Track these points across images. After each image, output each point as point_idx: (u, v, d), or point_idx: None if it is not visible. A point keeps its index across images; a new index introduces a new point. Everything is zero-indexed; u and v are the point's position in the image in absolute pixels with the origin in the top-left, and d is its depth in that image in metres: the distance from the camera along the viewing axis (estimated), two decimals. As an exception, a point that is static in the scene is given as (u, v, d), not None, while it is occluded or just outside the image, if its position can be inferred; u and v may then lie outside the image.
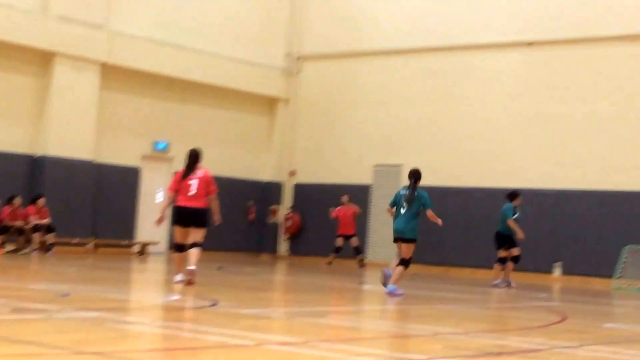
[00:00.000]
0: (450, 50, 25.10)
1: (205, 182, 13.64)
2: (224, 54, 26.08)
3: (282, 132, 27.90)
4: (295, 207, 27.48)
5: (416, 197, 14.28)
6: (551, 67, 23.54)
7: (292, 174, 27.77)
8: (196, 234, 13.62)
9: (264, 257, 27.26)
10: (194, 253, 13.45)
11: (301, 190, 27.52)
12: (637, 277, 21.06)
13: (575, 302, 15.92)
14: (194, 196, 13.57)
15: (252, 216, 27.28)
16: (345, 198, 23.32)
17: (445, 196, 24.51)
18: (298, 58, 27.94)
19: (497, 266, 18.68)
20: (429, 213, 14.36)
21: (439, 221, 14.53)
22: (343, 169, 26.71)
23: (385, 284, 14.32)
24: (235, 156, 26.93)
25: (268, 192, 27.64)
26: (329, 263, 22.82)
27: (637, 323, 12.98)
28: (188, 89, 25.61)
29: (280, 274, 21.04)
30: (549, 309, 13.85)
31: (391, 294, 13.82)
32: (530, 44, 23.89)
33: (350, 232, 22.97)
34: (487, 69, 24.53)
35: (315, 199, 26.74)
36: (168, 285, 14.14)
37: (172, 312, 10.57)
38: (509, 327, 11.09)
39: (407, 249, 14.14)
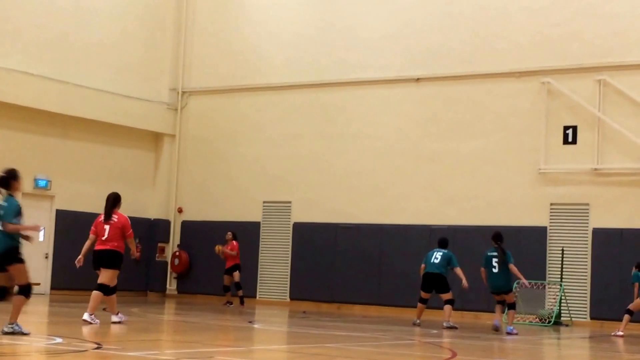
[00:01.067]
0: (338, 85, 25.22)
1: (119, 227, 14.67)
2: (107, 88, 25.59)
3: (169, 168, 27.50)
4: (182, 245, 27.03)
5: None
6: (439, 103, 23.87)
7: (180, 211, 27.36)
8: (103, 276, 14.60)
9: (152, 296, 26.70)
10: (93, 296, 14.42)
11: (189, 228, 27.11)
12: (528, 311, 21.36)
13: (466, 337, 16.01)
14: (106, 240, 14.62)
15: (138, 255, 26.66)
16: (229, 235, 23.22)
17: (335, 232, 24.53)
18: (183, 93, 27.66)
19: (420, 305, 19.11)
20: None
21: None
22: (231, 206, 26.45)
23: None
24: (120, 193, 26.18)
25: (155, 229, 27.14)
26: (229, 303, 22.80)
27: (525, 358, 13.10)
28: (70, 124, 25.00)
29: (168, 313, 20.61)
30: (439, 345, 13.85)
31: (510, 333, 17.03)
32: (417, 79, 24.20)
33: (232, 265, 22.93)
34: (375, 105, 24.72)
35: (203, 237, 26.37)
36: (51, 327, 13.61)
37: (53, 356, 10.13)
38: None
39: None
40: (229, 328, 16.22)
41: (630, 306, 18.44)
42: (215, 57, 27.31)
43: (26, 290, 12.12)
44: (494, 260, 17.90)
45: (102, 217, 14.91)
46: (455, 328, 17.91)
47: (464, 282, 18.71)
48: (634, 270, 19.56)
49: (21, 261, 12.13)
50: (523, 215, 22.53)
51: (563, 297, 21.59)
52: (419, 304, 19.05)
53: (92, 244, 14.89)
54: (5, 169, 12.44)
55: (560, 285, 21.61)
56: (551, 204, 22.46)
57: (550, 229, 22.40)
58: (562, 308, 21.54)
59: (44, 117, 24.38)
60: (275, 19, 26.49)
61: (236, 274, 22.91)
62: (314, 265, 24.83)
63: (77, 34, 25.27)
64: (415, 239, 23.11)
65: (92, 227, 14.91)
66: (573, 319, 21.63)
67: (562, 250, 21.95)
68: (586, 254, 21.95)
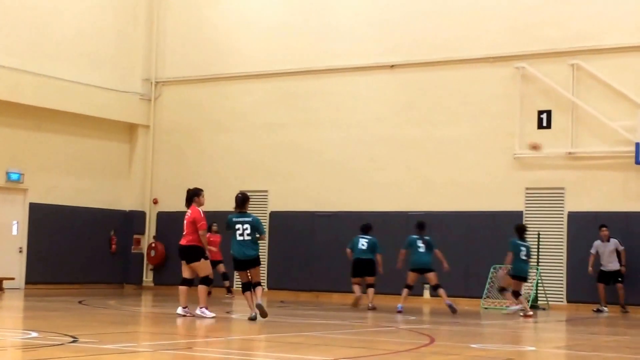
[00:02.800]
0: (313, 73, 25.15)
1: (190, 221, 15.24)
2: (80, 80, 25.39)
3: (143, 159, 27.34)
4: (158, 237, 26.89)
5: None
6: (414, 89, 23.87)
7: (155, 202, 27.22)
8: (193, 269, 15.24)
9: (128, 288, 26.57)
10: (199, 290, 15.14)
11: (164, 219, 26.96)
12: (506, 295, 21.37)
13: (444, 323, 16.03)
14: (185, 235, 15.33)
15: (114, 247, 26.57)
16: (215, 226, 22.90)
17: (312, 221, 24.48)
18: (157, 83, 27.49)
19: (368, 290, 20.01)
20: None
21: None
22: (207, 196, 26.12)
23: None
24: (94, 185, 26.20)
25: (130, 221, 26.99)
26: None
27: (503, 343, 13.14)
28: (43, 117, 24.79)
29: (145, 305, 20.50)
30: (417, 332, 13.85)
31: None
32: (392, 66, 24.17)
33: (218, 257, 22.49)
34: (351, 92, 24.68)
35: (179, 228, 26.06)
36: (25, 321, 13.49)
37: (29, 350, 10.03)
38: (378, 351, 11.03)
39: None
40: (207, 319, 16.14)
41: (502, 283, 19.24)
42: (189, 47, 27.15)
43: None
44: (419, 242, 18.95)
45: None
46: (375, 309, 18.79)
47: (445, 264, 19.35)
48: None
49: None
50: (499, 200, 22.59)
51: (540, 281, 21.66)
52: (356, 287, 19.78)
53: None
54: None
55: (537, 269, 21.68)
56: (526, 189, 22.52)
57: (526, 214, 22.47)
58: (538, 292, 21.61)
59: (17, 110, 24.17)
60: (249, 7, 26.36)
61: (221, 265, 22.71)
62: (292, 254, 24.79)
63: (50, 25, 25.06)
64: (393, 225, 23.10)
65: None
66: (550, 302, 21.71)
67: (538, 234, 22.02)
68: (562, 238, 22.04)
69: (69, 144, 25.57)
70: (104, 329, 13.13)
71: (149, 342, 11.44)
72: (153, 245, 26.78)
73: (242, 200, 15.14)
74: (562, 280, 21.97)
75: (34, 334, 11.52)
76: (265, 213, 25.43)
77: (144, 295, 24.26)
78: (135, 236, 27.06)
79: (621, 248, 20.83)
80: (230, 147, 26.17)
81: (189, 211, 15.52)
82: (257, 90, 25.98)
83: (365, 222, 20.53)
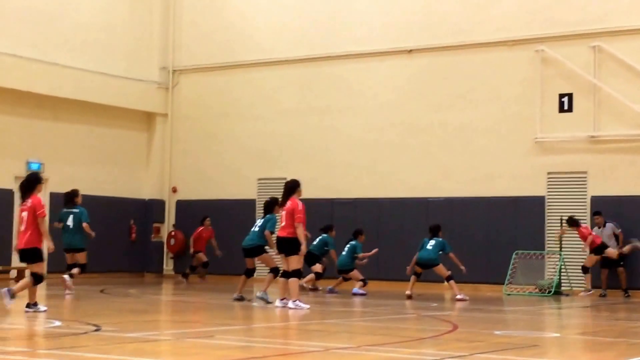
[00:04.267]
0: (330, 59, 25.00)
1: (290, 211, 14.90)
2: (97, 69, 25.35)
3: (162, 148, 27.31)
4: (178, 225, 26.88)
5: None
6: (433, 74, 23.68)
7: (174, 190, 27.20)
8: (285, 262, 15.16)
9: (149, 277, 26.58)
10: (290, 283, 14.95)
11: (184, 207, 26.95)
12: (527, 282, 21.28)
13: (466, 310, 15.94)
14: (283, 227, 15.02)
15: (133, 235, 26.58)
16: (208, 221, 24.42)
17: (331, 208, 24.37)
18: (174, 71, 27.43)
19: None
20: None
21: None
22: (226, 184, 26.29)
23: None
24: (113, 174, 26.19)
25: (150, 210, 26.99)
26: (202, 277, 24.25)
27: (527, 329, 13.02)
28: (61, 107, 24.77)
29: (165, 294, 20.51)
30: (440, 319, 13.76)
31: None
32: (410, 51, 24.00)
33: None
34: (369, 78, 24.53)
35: (198, 216, 26.20)
36: (48, 310, 13.49)
37: (53, 339, 10.04)
38: (400, 338, 10.97)
39: None
40: (228, 307, 16.12)
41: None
42: (205, 34, 27.07)
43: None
44: (431, 241, 19.23)
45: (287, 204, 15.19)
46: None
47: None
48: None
49: None
50: (520, 185, 22.40)
51: (562, 267, 21.49)
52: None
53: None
54: None
55: (560, 254, 21.51)
56: (548, 173, 22.32)
57: (548, 199, 22.28)
58: (562, 278, 21.44)
59: (34, 100, 24.15)
60: (265, -6, 26.26)
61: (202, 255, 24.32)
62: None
63: (66, 14, 25.02)
64: (412, 212, 22.98)
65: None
66: (573, 288, 21.54)
67: (561, 219, 21.82)
68: (585, 223, 21.79)
69: (87, 134, 25.57)
70: (125, 318, 13.15)
71: (171, 330, 11.44)
72: (172, 233, 26.77)
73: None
74: (585, 266, 21.76)
75: (57, 323, 11.56)
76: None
77: (165, 283, 24.29)
78: (155, 225, 27.05)
79: (618, 231, 20.74)
80: (248, 134, 26.09)
81: (288, 202, 15.07)
82: (275, 77, 25.87)
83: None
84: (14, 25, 23.82)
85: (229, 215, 25.46)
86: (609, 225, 20.82)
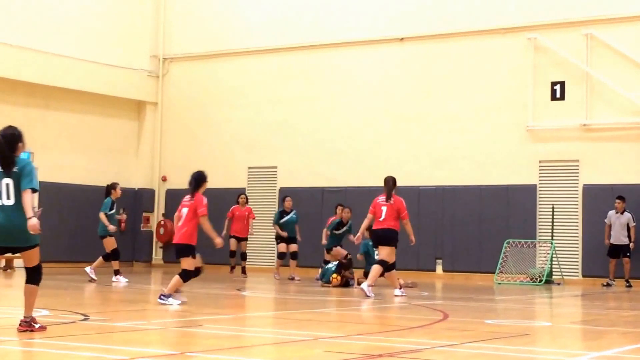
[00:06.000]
0: (322, 47, 24.96)
1: (395, 208, 15.47)
2: (87, 57, 25.26)
3: (152, 137, 27.21)
4: (167, 214, 26.78)
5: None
6: (425, 62, 23.64)
7: (164, 179, 27.10)
8: (381, 252, 15.55)
9: (138, 266, 26.51)
10: (373, 269, 15.50)
11: (173, 196, 26.81)
12: (517, 271, 21.26)
13: (457, 299, 15.91)
14: (383, 220, 15.47)
15: (123, 225, 26.45)
16: (243, 198, 21.98)
17: (322, 197, 24.32)
18: (164, 59, 27.31)
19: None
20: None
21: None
22: (216, 173, 26.07)
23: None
24: (103, 163, 26.08)
25: (140, 199, 26.90)
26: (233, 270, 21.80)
27: (517, 318, 13.01)
28: (51, 95, 24.67)
29: (154, 283, 20.43)
30: (431, 307, 13.71)
31: None
32: (402, 39, 23.91)
33: (244, 235, 21.72)
34: (361, 66, 24.47)
35: (189, 205, 26.12)
36: (38, 300, 13.36)
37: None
38: (391, 327, 10.97)
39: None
40: (217, 296, 16.09)
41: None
42: (196, 23, 26.96)
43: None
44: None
45: (379, 198, 15.70)
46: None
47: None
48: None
49: None
50: (512, 173, 22.37)
51: (554, 255, 21.45)
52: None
53: (370, 223, 15.88)
54: None
55: (551, 243, 21.48)
56: (540, 162, 22.28)
57: (540, 187, 22.24)
58: (553, 266, 21.41)
59: (25, 88, 24.07)
60: (256, -18, 26.13)
61: (244, 244, 21.95)
62: (301, 230, 24.61)
63: (56, 3, 24.98)
64: (405, 200, 22.86)
65: (371, 207, 15.75)
66: (564, 277, 21.52)
67: (553, 207, 21.80)
68: (577, 211, 21.80)
69: (77, 122, 25.48)
70: (114, 307, 13.17)
71: (160, 320, 11.37)
72: (162, 223, 26.69)
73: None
74: (577, 255, 21.76)
75: (45, 312, 11.49)
76: (275, 189, 25.28)
77: (154, 272, 24.22)
78: (145, 214, 26.99)
79: (633, 224, 20.51)
80: (238, 123, 26.01)
81: (392, 199, 15.61)
82: (266, 66, 25.78)
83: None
84: (5, 13, 23.74)
85: (219, 204, 25.34)
86: (627, 215, 20.47)
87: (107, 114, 26.30)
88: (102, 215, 18.71)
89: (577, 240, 21.74)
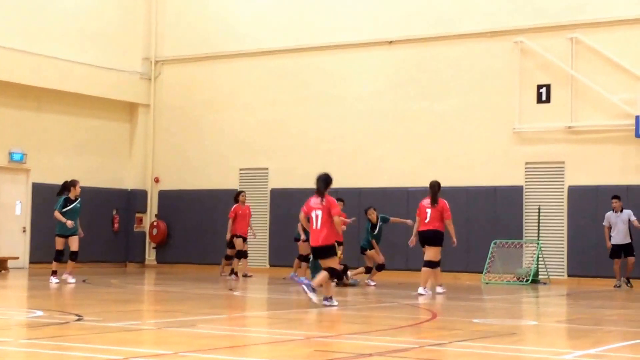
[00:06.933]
0: (312, 50, 25.12)
1: (440, 210, 16.54)
2: (80, 59, 25.35)
3: (144, 138, 27.35)
4: (160, 215, 26.96)
5: None
6: (413, 65, 23.83)
7: (157, 180, 27.26)
8: (428, 253, 16.60)
9: (131, 267, 26.65)
10: (423, 272, 16.56)
11: (166, 197, 27.03)
12: (505, 271, 21.48)
13: (445, 298, 16.09)
14: (428, 222, 16.53)
15: (116, 226, 26.63)
16: (243, 196, 21.83)
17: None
18: (157, 62, 27.46)
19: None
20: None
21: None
22: (208, 174, 26.38)
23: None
24: (96, 164, 26.21)
25: (133, 200, 27.05)
26: (236, 273, 21.38)
27: (505, 317, 13.20)
28: (44, 97, 24.79)
29: (148, 283, 20.59)
30: (420, 307, 13.91)
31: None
32: (390, 42, 24.15)
33: (247, 234, 21.51)
34: (350, 69, 24.66)
35: (181, 206, 26.33)
36: (30, 300, 13.58)
37: (35, 329, 10.11)
38: (380, 327, 11.09)
39: None
40: (210, 296, 16.23)
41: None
42: (188, 25, 27.09)
43: None
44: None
45: (424, 201, 16.69)
46: None
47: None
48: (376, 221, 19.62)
49: None
50: (499, 175, 22.61)
51: (540, 256, 21.73)
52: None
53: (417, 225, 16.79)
54: None
55: (538, 243, 21.75)
56: (526, 163, 22.54)
57: (526, 188, 22.51)
58: (539, 266, 21.68)
59: (17, 90, 24.15)
60: (247, -15, 26.30)
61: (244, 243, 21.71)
62: (293, 231, 24.80)
63: (49, 5, 25.02)
64: (394, 202, 23.14)
65: (418, 210, 16.82)
66: (550, 276, 21.79)
67: (539, 208, 22.07)
68: (562, 212, 22.08)
69: (70, 124, 25.57)
70: (108, 307, 13.16)
71: (153, 320, 11.51)
72: (155, 223, 26.84)
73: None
74: (562, 255, 22.03)
75: (39, 313, 11.57)
76: (266, 191, 25.48)
77: (147, 273, 24.35)
78: (138, 215, 27.11)
79: (634, 218, 20.12)
80: (230, 125, 26.18)
81: (437, 203, 16.63)
82: (257, 68, 25.96)
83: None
84: (-3, 16, 23.78)
85: (211, 205, 25.58)
86: (626, 212, 20.30)
87: (100, 116, 26.43)
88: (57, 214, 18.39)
89: (563, 240, 22.03)
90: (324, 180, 13.87)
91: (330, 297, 13.21)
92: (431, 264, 16.52)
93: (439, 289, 16.68)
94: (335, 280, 14.41)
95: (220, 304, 14.68)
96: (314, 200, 13.74)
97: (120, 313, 12.22)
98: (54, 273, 18.24)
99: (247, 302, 14.89)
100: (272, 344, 9.11)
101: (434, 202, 16.60)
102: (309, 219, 13.68)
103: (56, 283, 17.82)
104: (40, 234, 24.33)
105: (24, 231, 24.37)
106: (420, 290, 16.21)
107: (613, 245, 20.32)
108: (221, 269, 22.25)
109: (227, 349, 8.52)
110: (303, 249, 19.88)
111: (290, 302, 14.96)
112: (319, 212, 13.51)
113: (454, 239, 16.76)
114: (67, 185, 18.54)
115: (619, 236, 20.32)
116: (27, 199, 24.43)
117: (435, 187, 16.82)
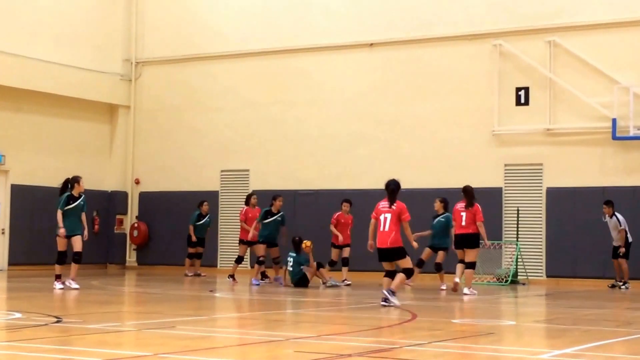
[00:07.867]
0: (293, 52, 25.18)
1: (473, 213, 17.23)
2: (59, 61, 25.31)
3: (124, 140, 27.33)
4: (140, 216, 26.94)
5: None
6: (393, 67, 23.95)
7: (137, 182, 27.23)
8: (467, 255, 17.33)
9: (112, 268, 26.61)
10: (465, 273, 17.45)
11: (146, 199, 27.00)
12: (484, 271, 21.60)
13: (426, 299, 16.19)
14: (465, 226, 17.25)
15: (96, 227, 26.57)
16: (255, 199, 21.04)
17: (294, 199, 24.55)
18: (137, 63, 27.44)
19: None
20: None
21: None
22: (189, 176, 26.38)
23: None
24: (76, 166, 26.06)
25: (113, 201, 27.01)
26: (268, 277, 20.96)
27: (484, 317, 13.30)
28: (24, 98, 24.72)
29: (128, 285, 20.57)
30: (400, 308, 13.99)
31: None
32: (371, 44, 24.25)
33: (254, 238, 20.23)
34: (331, 71, 24.75)
35: (161, 207, 26.32)
36: (9, 302, 13.55)
37: (13, 331, 10.09)
38: (361, 327, 11.14)
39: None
40: (190, 298, 16.25)
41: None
42: (168, 27, 27.10)
43: None
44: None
45: (458, 205, 17.47)
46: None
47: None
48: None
49: None
50: (478, 176, 22.68)
51: (519, 257, 21.87)
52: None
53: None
54: None
55: (517, 244, 21.89)
56: (505, 165, 22.70)
57: (505, 190, 22.66)
58: (518, 267, 21.82)
59: (-3, 91, 24.10)
60: (228, -13, 26.33)
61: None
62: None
63: (29, 5, 24.97)
64: (374, 203, 23.12)
65: (453, 214, 17.65)
66: (529, 277, 21.94)
67: (518, 210, 22.21)
68: (541, 213, 22.24)
69: (50, 125, 25.52)
70: (87, 309, 13.16)
71: (133, 322, 11.52)
72: (136, 225, 26.81)
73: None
74: (541, 256, 22.19)
75: (18, 315, 11.52)
76: (247, 192, 25.47)
77: (128, 275, 24.32)
78: (118, 216, 27.07)
79: (620, 227, 20.22)
80: (211, 126, 26.19)
81: (472, 206, 17.27)
82: (238, 70, 25.99)
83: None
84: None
85: (191, 207, 25.56)
86: (614, 218, 20.31)
87: (80, 117, 26.38)
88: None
89: (542, 241, 22.19)
90: (395, 186, 14.67)
91: (394, 293, 13.91)
92: (472, 265, 17.36)
93: (466, 290, 17.16)
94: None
95: (201, 306, 14.70)
96: (383, 204, 14.51)
97: (100, 315, 12.21)
98: (58, 277, 16.85)
99: (228, 304, 14.90)
100: (252, 345, 9.13)
101: (469, 205, 17.29)
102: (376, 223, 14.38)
103: (60, 289, 16.59)
104: (19, 235, 24.27)
105: (3, 233, 24.29)
106: (465, 290, 16.99)
107: (613, 246, 20.53)
108: (257, 274, 20.16)
109: (206, 350, 8.55)
110: (259, 250, 19.96)
111: (271, 303, 14.98)
112: (388, 215, 14.33)
113: (487, 241, 17.64)
114: (70, 182, 17.41)
115: (613, 238, 20.50)
116: (5, 201, 24.34)
117: (470, 191, 17.49)
